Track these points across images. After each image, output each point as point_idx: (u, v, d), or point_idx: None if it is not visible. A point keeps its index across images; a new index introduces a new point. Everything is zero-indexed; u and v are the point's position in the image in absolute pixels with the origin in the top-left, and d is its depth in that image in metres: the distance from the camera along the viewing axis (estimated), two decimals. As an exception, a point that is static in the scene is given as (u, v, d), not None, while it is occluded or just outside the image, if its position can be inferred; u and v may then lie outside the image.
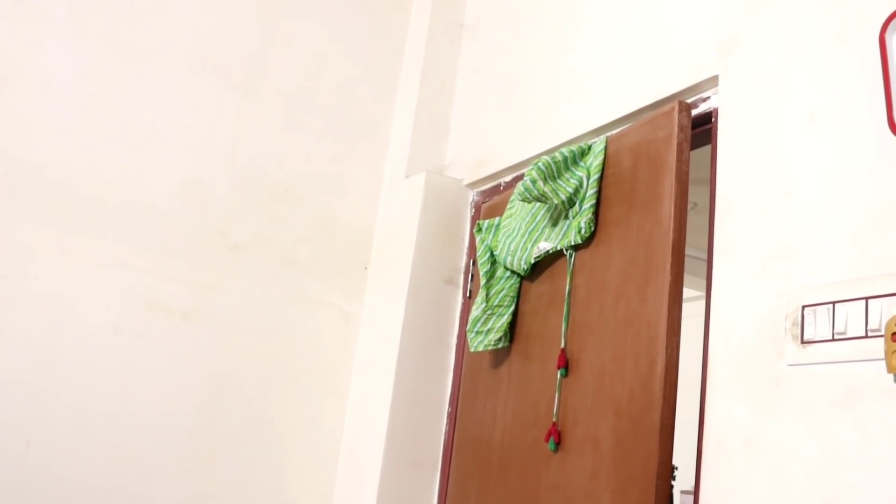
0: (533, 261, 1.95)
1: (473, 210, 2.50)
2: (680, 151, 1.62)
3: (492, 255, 2.11)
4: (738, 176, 1.53)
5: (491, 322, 2.04)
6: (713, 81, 1.67)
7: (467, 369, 2.27)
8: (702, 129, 1.71)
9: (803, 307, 1.33)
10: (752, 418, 1.37)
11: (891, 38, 1.25)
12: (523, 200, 1.84)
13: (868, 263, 1.26)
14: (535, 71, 2.30)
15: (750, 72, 1.57)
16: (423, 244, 2.41)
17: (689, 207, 1.63)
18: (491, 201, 2.35)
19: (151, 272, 2.29)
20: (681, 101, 1.66)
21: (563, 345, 1.81)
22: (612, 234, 1.75)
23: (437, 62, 2.72)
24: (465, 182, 2.50)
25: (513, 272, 2.06)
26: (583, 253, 1.82)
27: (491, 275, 2.08)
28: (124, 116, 2.32)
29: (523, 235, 1.99)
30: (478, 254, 2.14)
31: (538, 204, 1.96)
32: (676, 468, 2.01)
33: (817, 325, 1.30)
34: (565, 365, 1.78)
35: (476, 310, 2.06)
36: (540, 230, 1.95)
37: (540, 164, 1.80)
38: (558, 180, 1.82)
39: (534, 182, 1.79)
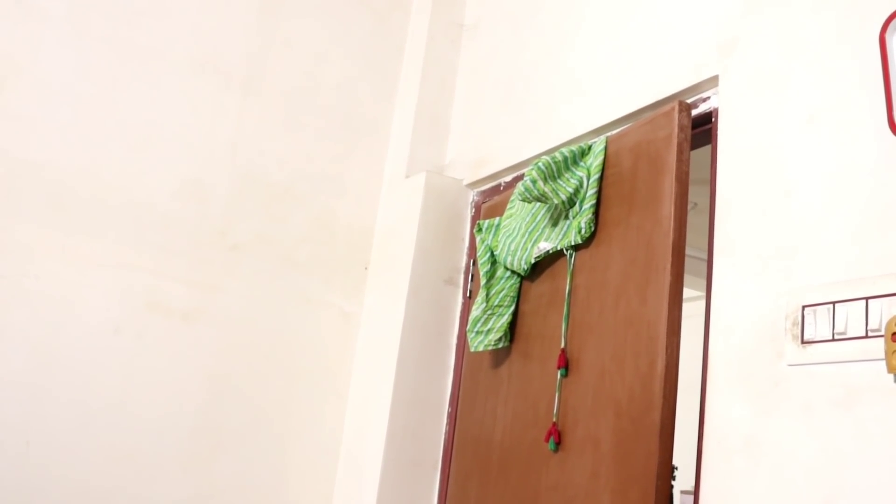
0: (533, 261, 1.95)
1: (473, 210, 2.50)
2: (680, 151, 1.62)
3: (492, 255, 2.11)
4: (738, 176, 1.53)
5: (491, 322, 2.04)
6: (713, 81, 1.67)
7: (467, 369, 2.27)
8: (702, 129, 1.71)
9: (803, 307, 1.33)
10: (752, 418, 1.37)
11: (891, 38, 1.25)
12: (523, 200, 1.84)
13: (868, 263, 1.26)
14: (535, 71, 2.30)
15: (750, 72, 1.57)
16: (423, 244, 2.41)
17: (689, 207, 1.63)
18: (491, 201, 2.35)
19: (151, 272, 2.29)
20: (681, 101, 1.66)
21: (563, 345, 1.81)
22: (613, 234, 1.75)
23: (437, 62, 2.72)
24: (465, 182, 2.50)
25: (513, 272, 2.06)
26: (583, 253, 1.82)
27: (491, 275, 2.08)
28: (124, 116, 2.32)
29: (523, 235, 1.99)
30: (478, 254, 2.14)
31: (538, 204, 1.96)
32: (676, 468, 2.00)
33: (817, 325, 1.30)
34: (565, 365, 1.78)
35: (476, 310, 2.06)
36: (540, 230, 1.95)
37: (540, 164, 1.80)
38: (558, 180, 1.82)
39: (534, 182, 1.79)
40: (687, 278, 1.60)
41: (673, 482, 1.79)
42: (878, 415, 1.19)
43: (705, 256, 1.59)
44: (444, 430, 2.35)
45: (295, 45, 2.65)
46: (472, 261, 2.42)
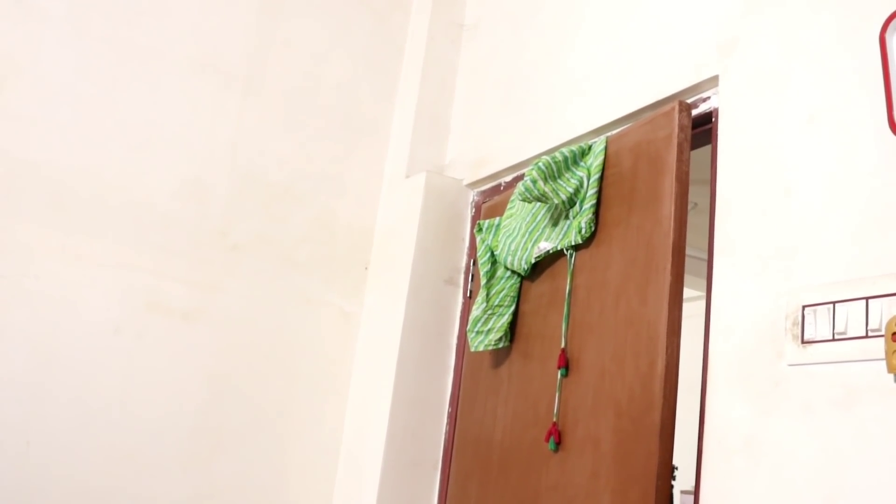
0: (533, 261, 1.95)
1: (474, 210, 2.50)
2: (680, 151, 1.62)
3: (492, 254, 2.11)
4: (739, 176, 1.53)
5: (491, 322, 2.04)
6: (713, 81, 1.67)
7: (467, 369, 2.27)
8: (702, 129, 1.71)
9: (803, 307, 1.33)
10: (752, 418, 1.37)
11: (891, 38, 1.25)
12: (524, 200, 1.84)
13: (868, 263, 1.26)
14: (535, 71, 2.30)
15: (750, 72, 1.57)
16: (423, 244, 2.41)
17: (689, 207, 1.63)
18: (491, 201, 2.35)
19: (151, 272, 2.29)
20: (681, 101, 1.66)
21: (563, 345, 1.81)
22: (613, 234, 1.75)
23: (437, 62, 2.72)
24: (466, 182, 2.50)
25: (513, 272, 2.06)
26: (583, 253, 1.82)
27: (491, 275, 2.08)
28: (124, 116, 2.32)
29: (524, 235, 1.99)
30: (478, 254, 2.14)
31: (538, 204, 1.96)
32: (676, 468, 2.00)
33: (817, 325, 1.30)
34: (565, 365, 1.78)
35: (476, 310, 2.06)
36: (540, 230, 1.95)
37: (540, 164, 1.80)
38: (559, 180, 1.82)
39: (534, 182, 1.79)
40: (687, 278, 1.60)
41: (673, 482, 1.79)
42: (878, 415, 1.19)
43: (705, 256, 1.59)
44: (444, 430, 2.35)
45: (295, 45, 2.65)
46: (472, 261, 2.42)
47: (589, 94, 2.04)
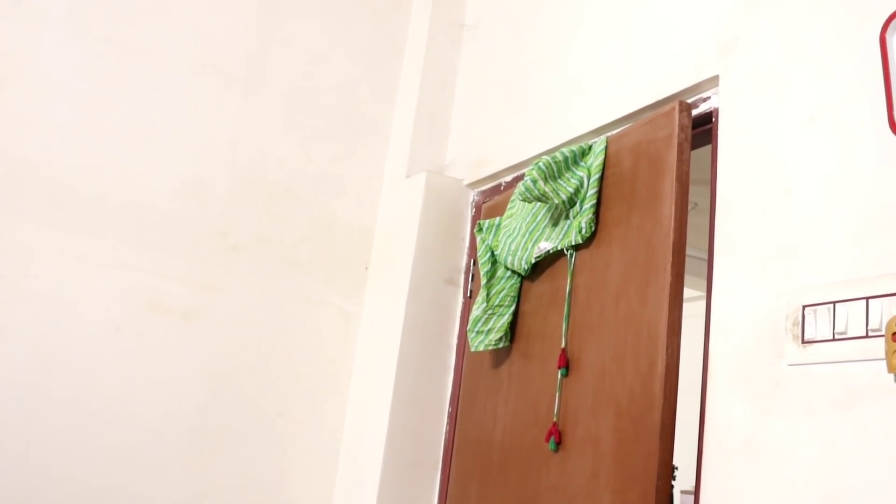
0: (533, 261, 1.95)
1: (474, 210, 2.50)
2: (680, 151, 1.62)
3: (492, 254, 2.11)
4: (739, 176, 1.53)
5: (491, 322, 2.04)
6: (713, 81, 1.67)
7: (468, 369, 2.27)
8: (702, 129, 1.71)
9: (804, 307, 1.33)
10: (753, 418, 1.37)
11: (891, 38, 1.25)
12: (524, 200, 1.84)
13: (868, 263, 1.26)
14: (535, 71, 2.30)
15: (750, 72, 1.57)
16: (423, 244, 2.41)
17: (689, 207, 1.63)
18: (491, 201, 2.35)
19: (151, 272, 2.29)
20: (681, 101, 1.66)
21: (563, 345, 1.81)
22: (613, 234, 1.75)
23: (437, 62, 2.72)
24: (466, 182, 2.50)
25: (513, 272, 2.06)
26: (583, 253, 1.82)
27: (491, 275, 2.08)
28: (124, 116, 2.32)
29: (524, 235, 1.99)
30: (478, 254, 2.14)
31: (539, 204, 1.96)
32: (677, 468, 2.00)
33: (818, 325, 1.30)
34: (566, 365, 1.78)
35: (476, 309, 2.06)
36: (540, 230, 1.95)
37: (540, 163, 1.80)
38: (559, 180, 1.82)
39: (534, 182, 1.79)
40: (687, 278, 1.60)
41: (673, 482, 1.79)
42: (878, 415, 1.19)
43: (705, 256, 1.59)
44: (444, 430, 2.35)
45: (295, 45, 2.65)
46: (472, 261, 2.42)
47: (589, 94, 2.04)
